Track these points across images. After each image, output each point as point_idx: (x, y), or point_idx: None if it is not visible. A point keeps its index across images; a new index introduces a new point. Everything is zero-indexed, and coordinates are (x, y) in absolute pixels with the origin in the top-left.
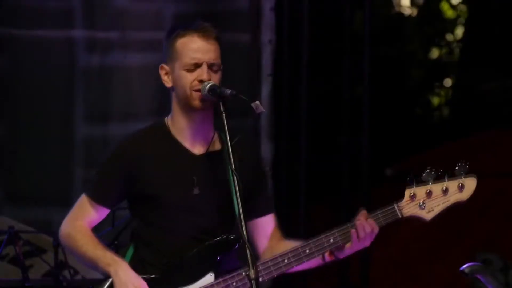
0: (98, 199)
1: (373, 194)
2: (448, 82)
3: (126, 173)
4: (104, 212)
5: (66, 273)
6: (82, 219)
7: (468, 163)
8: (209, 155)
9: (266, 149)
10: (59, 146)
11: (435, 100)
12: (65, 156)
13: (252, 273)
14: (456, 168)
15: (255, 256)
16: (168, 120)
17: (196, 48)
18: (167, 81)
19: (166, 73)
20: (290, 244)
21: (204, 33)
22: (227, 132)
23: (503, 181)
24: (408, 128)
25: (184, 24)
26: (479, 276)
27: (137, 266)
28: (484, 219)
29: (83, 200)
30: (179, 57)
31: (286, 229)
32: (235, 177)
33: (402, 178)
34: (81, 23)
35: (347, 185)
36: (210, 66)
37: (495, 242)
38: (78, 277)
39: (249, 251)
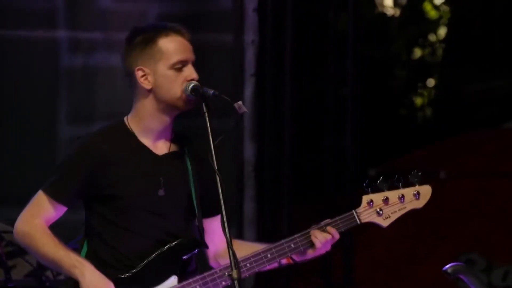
0: (57, 197)
1: (357, 195)
2: (431, 82)
3: (88, 172)
4: (62, 210)
5: (49, 273)
6: (40, 217)
7: (421, 172)
8: (171, 155)
9: (249, 150)
10: (42, 147)
11: (418, 101)
12: (48, 157)
13: (235, 273)
14: (409, 176)
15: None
16: (128, 119)
17: (182, 47)
18: (145, 83)
19: (144, 75)
20: (242, 246)
21: (184, 34)
22: (210, 133)
23: (487, 181)
24: (392, 129)
25: (159, 25)
26: (462, 276)
27: (95, 266)
28: (469, 220)
29: (41, 197)
30: (165, 57)
31: (270, 230)
32: (218, 177)
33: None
34: (64, 23)
35: (331, 186)
36: (193, 66)
37: (479, 242)
38: (61, 277)
39: (232, 251)
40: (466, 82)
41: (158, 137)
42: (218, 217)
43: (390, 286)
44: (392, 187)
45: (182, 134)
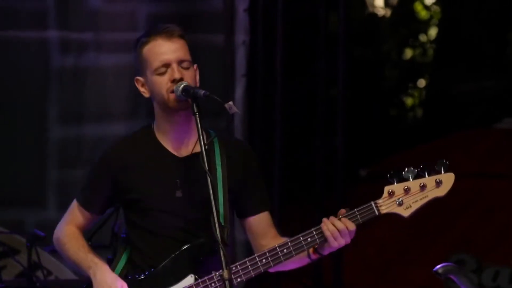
0: (86, 205)
1: (348, 195)
2: (421, 82)
3: (111, 179)
4: (94, 217)
5: (39, 273)
6: (71, 224)
7: (447, 161)
8: (193, 157)
9: None
10: (33, 147)
11: (409, 101)
12: (39, 157)
13: (225, 274)
14: (436, 165)
15: (230, 258)
16: (154, 124)
17: (161, 50)
18: (145, 92)
19: (142, 85)
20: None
21: (166, 34)
22: (200, 133)
23: (478, 181)
24: (382, 129)
25: (145, 33)
26: (452, 277)
27: (130, 270)
28: (459, 220)
29: (74, 205)
30: (148, 64)
31: None
32: (209, 178)
33: (376, 178)
34: (55, 24)
35: (321, 186)
36: (180, 64)
37: (470, 243)
38: (52, 277)
39: (223, 251)
40: (457, 82)
41: (179, 139)
42: (258, 215)
43: (380, 287)
44: (418, 176)
45: (217, 134)
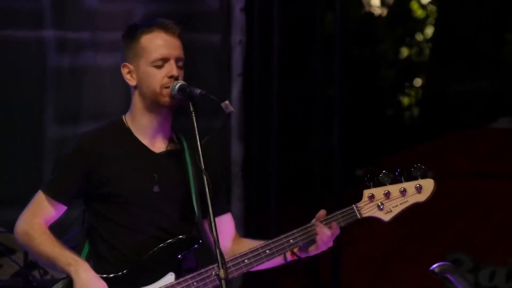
0: (55, 196)
1: (345, 195)
2: (418, 82)
3: (85, 170)
4: (62, 209)
5: (35, 273)
6: (39, 216)
7: (425, 166)
8: (168, 153)
9: (236, 149)
10: (29, 147)
11: (405, 100)
12: (35, 157)
13: (222, 273)
14: (412, 170)
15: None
16: (126, 117)
17: (163, 43)
18: (131, 80)
19: (129, 72)
20: (248, 244)
21: (169, 29)
22: (197, 133)
23: (477, 181)
24: (379, 128)
25: (146, 22)
26: (449, 276)
27: (95, 264)
28: (459, 220)
29: (40, 197)
30: (145, 54)
31: (257, 229)
32: (205, 177)
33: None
34: (51, 23)
35: (318, 186)
36: (177, 62)
37: (467, 242)
38: (48, 277)
39: (219, 251)
40: (453, 81)
41: (155, 134)
42: (224, 215)
43: (377, 285)
44: (395, 181)
45: (184, 133)
